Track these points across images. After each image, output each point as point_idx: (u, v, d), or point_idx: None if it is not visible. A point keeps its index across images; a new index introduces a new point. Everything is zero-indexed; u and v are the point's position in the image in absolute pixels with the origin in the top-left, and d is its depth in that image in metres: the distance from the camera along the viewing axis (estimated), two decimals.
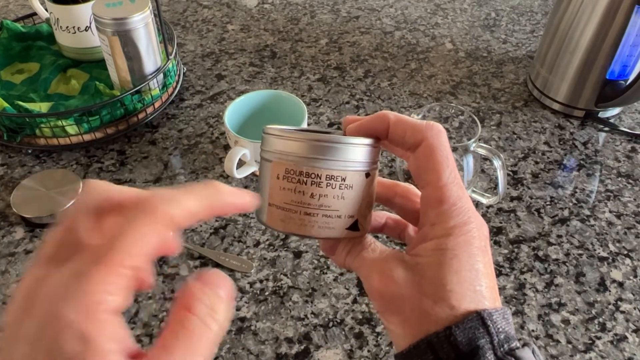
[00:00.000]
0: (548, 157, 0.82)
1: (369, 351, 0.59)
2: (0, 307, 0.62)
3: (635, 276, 0.67)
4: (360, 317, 0.62)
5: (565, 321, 0.62)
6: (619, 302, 0.64)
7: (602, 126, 0.88)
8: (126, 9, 0.78)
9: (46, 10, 0.91)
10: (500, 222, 0.72)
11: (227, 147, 0.82)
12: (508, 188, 0.77)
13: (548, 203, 0.75)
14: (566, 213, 0.74)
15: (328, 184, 0.31)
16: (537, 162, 0.81)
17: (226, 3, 1.16)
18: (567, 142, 0.85)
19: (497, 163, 0.65)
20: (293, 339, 0.60)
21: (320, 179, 0.31)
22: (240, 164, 0.75)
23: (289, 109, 0.77)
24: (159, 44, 0.86)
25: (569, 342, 0.60)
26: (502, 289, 0.65)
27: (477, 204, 0.73)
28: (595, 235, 0.71)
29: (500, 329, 0.28)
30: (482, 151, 0.66)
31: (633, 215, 0.74)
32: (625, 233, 0.71)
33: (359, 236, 0.34)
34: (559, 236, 0.71)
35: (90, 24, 0.89)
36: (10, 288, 0.64)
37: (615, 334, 0.61)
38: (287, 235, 0.70)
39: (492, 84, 0.95)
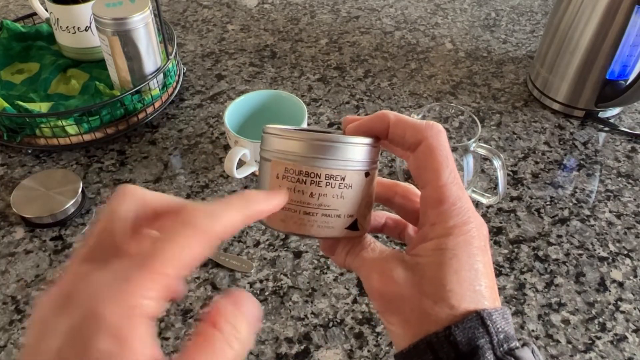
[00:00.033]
0: (548, 157, 0.82)
1: (369, 351, 0.59)
2: (0, 307, 0.62)
3: (635, 276, 0.67)
4: (360, 317, 0.62)
5: (565, 321, 0.62)
6: (619, 302, 0.64)
7: (602, 126, 0.88)
8: (126, 9, 0.78)
9: (46, 10, 0.91)
10: (500, 222, 0.72)
11: (227, 147, 0.82)
12: (508, 188, 0.77)
13: (548, 203, 0.75)
14: (566, 213, 0.74)
15: (327, 184, 0.31)
16: (537, 162, 0.81)
17: (226, 3, 1.16)
18: (567, 142, 0.85)
19: (497, 163, 0.65)
20: (293, 339, 0.60)
21: (319, 178, 0.31)
22: (240, 164, 0.75)
23: (289, 109, 0.77)
24: (159, 44, 0.86)
25: (569, 342, 0.60)
26: (502, 289, 0.65)
27: (477, 204, 0.73)
28: (595, 235, 0.71)
29: (500, 329, 0.28)
30: (482, 151, 0.66)
31: (633, 215, 0.74)
32: (625, 233, 0.71)
33: (359, 236, 0.34)
34: (559, 236, 0.71)
35: (90, 24, 0.89)
36: (10, 288, 0.64)
37: (615, 334, 0.61)
38: (287, 235, 0.70)
39: (492, 84, 0.95)
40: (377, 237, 0.36)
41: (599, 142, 0.85)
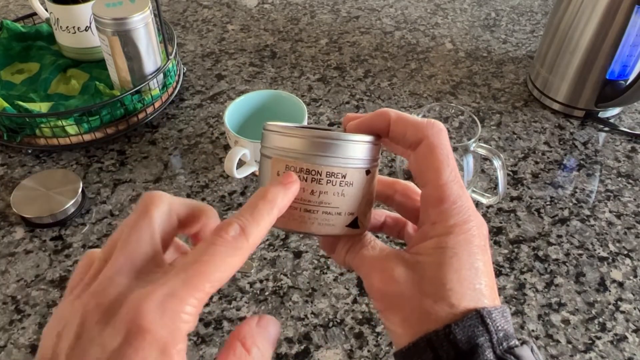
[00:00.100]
0: (548, 157, 0.82)
1: (369, 351, 0.59)
2: (0, 307, 0.62)
3: (635, 276, 0.67)
4: (360, 317, 0.62)
5: (565, 321, 0.62)
6: (619, 302, 0.64)
7: (602, 126, 0.88)
8: (126, 9, 0.78)
9: (46, 10, 0.91)
10: (500, 222, 0.72)
11: (227, 147, 0.82)
12: (508, 188, 0.77)
13: (548, 203, 0.75)
14: (566, 213, 0.74)
15: (328, 181, 0.31)
16: (537, 162, 0.81)
17: (226, 3, 1.16)
18: (567, 142, 0.85)
19: (497, 163, 0.65)
20: (293, 339, 0.60)
21: (320, 175, 0.31)
22: (240, 164, 0.75)
23: (289, 109, 0.77)
24: (159, 44, 0.86)
25: (569, 342, 0.60)
26: (502, 289, 0.65)
27: (477, 204, 0.73)
28: (595, 235, 0.71)
29: (500, 327, 0.28)
30: (482, 151, 0.66)
31: (633, 215, 0.74)
32: (625, 233, 0.71)
33: (359, 234, 0.34)
34: (559, 236, 0.71)
35: (90, 24, 0.89)
36: (10, 288, 0.64)
37: (615, 334, 0.61)
38: (287, 234, 0.70)
39: (492, 84, 0.95)
40: (377, 237, 0.36)
41: (599, 142, 0.85)
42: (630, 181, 0.78)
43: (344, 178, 0.31)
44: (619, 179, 0.79)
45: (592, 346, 0.60)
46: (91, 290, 0.26)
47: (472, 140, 0.67)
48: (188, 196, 0.75)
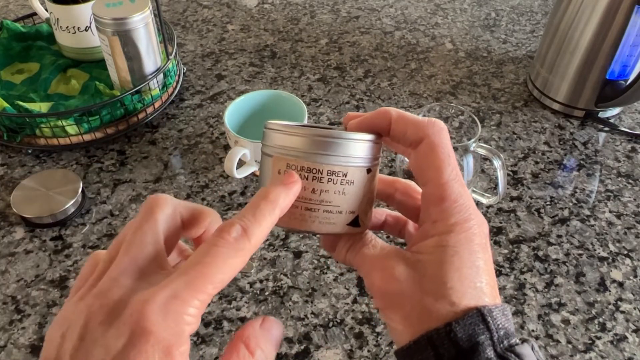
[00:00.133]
0: (548, 157, 0.82)
1: (369, 351, 0.59)
2: (0, 307, 0.62)
3: (635, 276, 0.67)
4: (360, 317, 0.62)
5: (565, 321, 0.62)
6: (619, 302, 0.64)
7: (602, 126, 0.88)
8: (126, 9, 0.78)
9: (46, 10, 0.91)
10: (500, 222, 0.72)
11: (227, 147, 0.82)
12: (508, 188, 0.77)
13: (548, 203, 0.75)
14: (566, 213, 0.74)
15: (329, 180, 0.31)
16: (537, 162, 0.81)
17: (226, 3, 1.16)
18: (567, 142, 0.85)
19: (497, 163, 0.65)
20: (293, 339, 0.60)
21: (321, 174, 0.31)
22: (240, 164, 0.75)
23: (289, 109, 0.77)
24: (159, 44, 0.86)
25: (569, 342, 0.60)
26: (502, 289, 0.65)
27: (477, 204, 0.73)
28: (595, 235, 0.71)
29: (500, 325, 0.28)
30: (482, 151, 0.66)
31: (633, 215, 0.74)
32: (625, 233, 0.71)
33: (360, 232, 0.34)
34: (559, 236, 0.71)
35: (90, 24, 0.89)
36: (10, 288, 0.64)
37: (615, 334, 0.61)
38: (287, 234, 0.70)
39: (492, 84, 0.95)
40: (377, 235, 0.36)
41: (599, 142, 0.85)
42: (630, 181, 0.78)
43: (345, 176, 0.31)
44: (619, 179, 0.79)
45: (592, 346, 0.60)
46: (95, 291, 0.26)
47: (472, 140, 0.67)
48: (188, 196, 0.75)
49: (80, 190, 0.71)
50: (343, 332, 0.60)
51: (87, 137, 0.80)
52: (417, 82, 0.95)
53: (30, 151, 0.81)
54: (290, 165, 0.31)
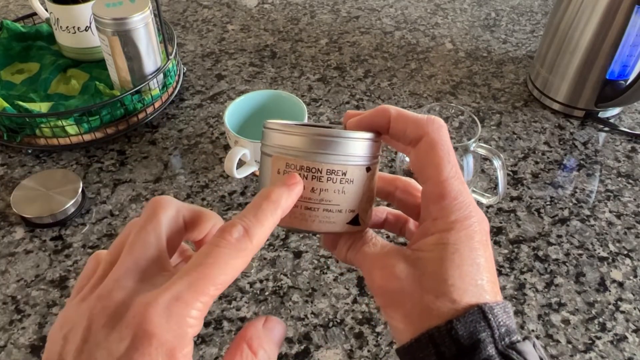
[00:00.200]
0: (548, 157, 0.82)
1: (369, 351, 0.59)
2: (0, 307, 0.62)
3: (635, 276, 0.66)
4: (360, 317, 0.62)
5: (565, 321, 0.62)
6: (619, 302, 0.64)
7: (602, 126, 0.88)
8: (126, 9, 0.78)
9: (46, 10, 0.91)
10: (500, 222, 0.72)
11: (227, 147, 0.82)
12: (508, 188, 0.77)
13: (548, 203, 0.75)
14: (566, 213, 0.74)
15: (329, 179, 0.31)
16: (537, 162, 0.81)
17: (226, 3, 1.16)
18: (567, 142, 0.85)
19: (497, 163, 0.64)
20: (293, 339, 0.60)
21: (321, 173, 0.31)
22: (240, 164, 0.75)
23: (289, 109, 0.77)
24: (159, 44, 0.86)
25: (569, 342, 0.60)
26: (502, 288, 0.65)
27: (477, 204, 0.73)
28: (595, 235, 0.71)
29: (501, 323, 0.28)
30: (482, 151, 0.66)
31: (633, 215, 0.74)
32: (625, 233, 0.71)
33: (360, 230, 0.34)
34: (559, 236, 0.71)
35: (90, 24, 0.89)
36: (10, 288, 0.64)
37: (615, 334, 0.61)
38: (288, 233, 0.70)
39: (492, 84, 0.95)
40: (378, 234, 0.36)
41: (599, 142, 0.85)
42: (630, 181, 0.78)
43: (345, 175, 0.31)
44: (619, 179, 0.79)
45: (592, 346, 0.60)
46: (97, 293, 0.26)
47: (472, 140, 0.67)
48: (188, 196, 0.75)
49: (80, 190, 0.71)
50: (343, 332, 0.60)
51: (87, 137, 0.80)
52: (417, 82, 0.95)
53: (30, 151, 0.81)
54: (289, 165, 0.31)
